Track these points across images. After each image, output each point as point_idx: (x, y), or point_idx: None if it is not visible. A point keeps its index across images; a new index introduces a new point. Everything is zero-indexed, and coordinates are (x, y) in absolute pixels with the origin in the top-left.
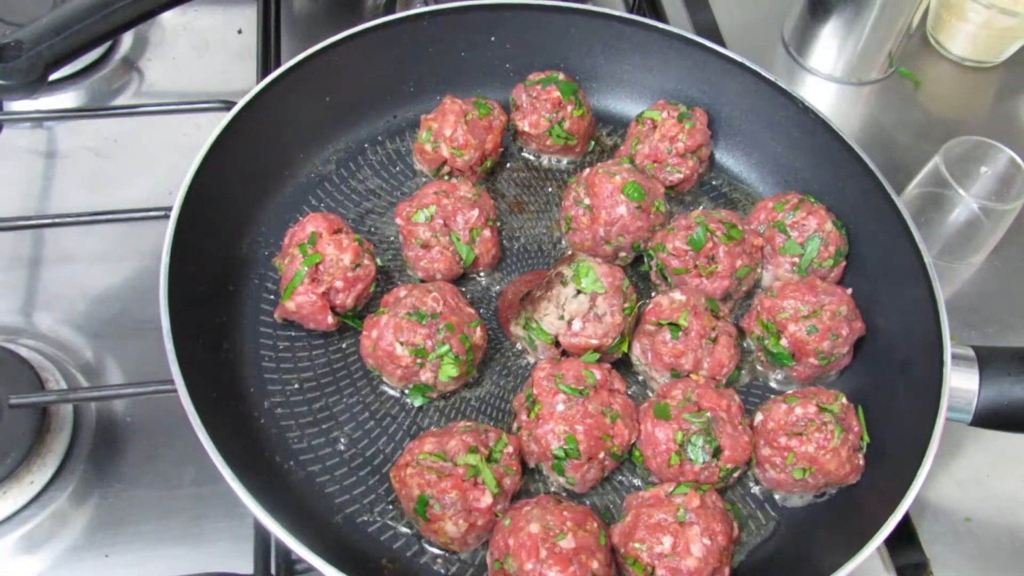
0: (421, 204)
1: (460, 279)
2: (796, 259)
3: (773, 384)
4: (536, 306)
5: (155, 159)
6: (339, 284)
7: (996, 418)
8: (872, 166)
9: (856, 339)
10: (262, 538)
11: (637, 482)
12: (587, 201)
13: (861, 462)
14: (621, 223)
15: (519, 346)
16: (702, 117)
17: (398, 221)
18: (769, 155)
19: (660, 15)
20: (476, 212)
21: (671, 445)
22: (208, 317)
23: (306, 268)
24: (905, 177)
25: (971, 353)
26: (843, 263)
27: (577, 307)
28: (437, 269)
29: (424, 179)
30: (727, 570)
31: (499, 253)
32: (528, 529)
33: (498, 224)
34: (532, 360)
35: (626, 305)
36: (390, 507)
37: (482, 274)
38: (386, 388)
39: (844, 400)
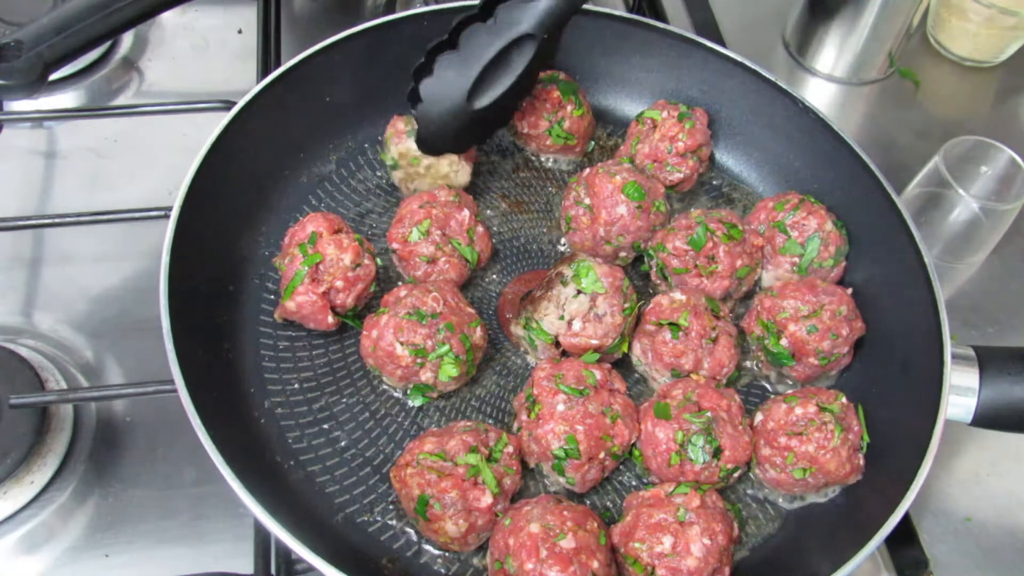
0: (413, 222)
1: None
2: (796, 259)
3: (773, 384)
4: (536, 306)
5: (155, 159)
6: (339, 284)
7: (996, 418)
8: (872, 166)
9: (856, 339)
10: (262, 538)
11: (637, 482)
12: (587, 201)
13: (861, 462)
14: (621, 223)
15: (519, 346)
16: (702, 117)
17: (394, 246)
18: (769, 155)
19: (660, 15)
20: (466, 212)
21: (671, 445)
22: (208, 317)
23: (306, 268)
24: (905, 177)
25: (971, 353)
26: (843, 263)
27: (577, 307)
28: (450, 279)
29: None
30: (727, 570)
31: (492, 246)
32: (528, 529)
33: (480, 217)
34: (532, 360)
35: (626, 305)
36: (390, 507)
37: (482, 274)
38: (386, 388)
39: (844, 400)
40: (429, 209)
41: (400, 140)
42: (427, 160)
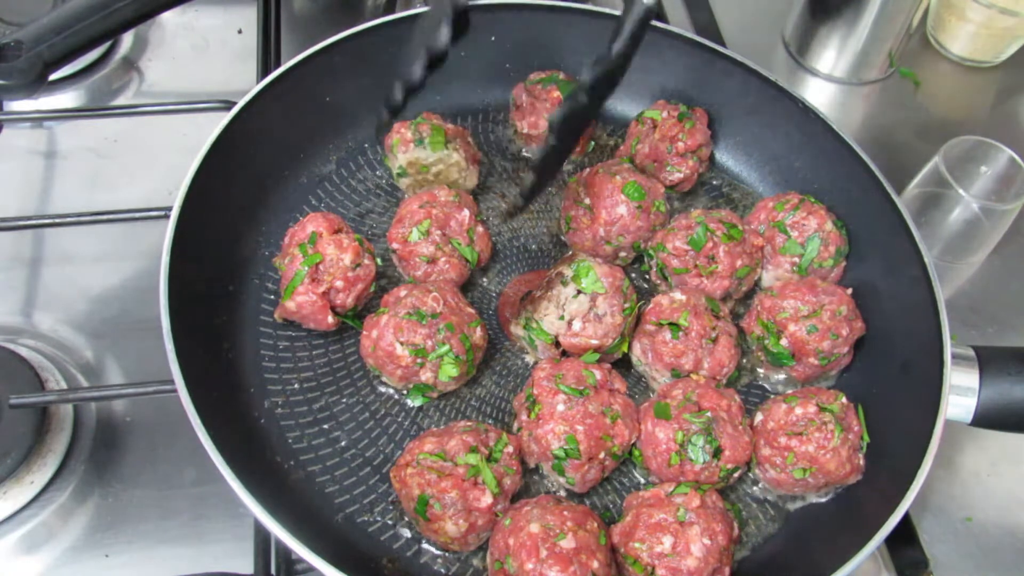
0: (413, 222)
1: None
2: (796, 259)
3: (773, 384)
4: (536, 306)
5: (155, 159)
6: (339, 284)
7: (996, 418)
8: (872, 166)
9: (856, 339)
10: (262, 538)
11: (637, 482)
12: (587, 201)
13: (861, 462)
14: (621, 223)
15: (519, 346)
16: (702, 117)
17: (394, 246)
18: (769, 155)
19: (660, 15)
20: (467, 212)
21: (671, 445)
22: (208, 317)
23: (306, 268)
24: (905, 177)
25: (971, 353)
26: (843, 263)
27: (577, 307)
28: (449, 279)
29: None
30: (727, 570)
31: (492, 246)
32: (528, 529)
33: (481, 217)
34: (532, 360)
35: (626, 305)
36: (390, 507)
37: (482, 274)
38: (386, 388)
39: (844, 400)
40: (429, 209)
41: (407, 148)
42: (436, 167)
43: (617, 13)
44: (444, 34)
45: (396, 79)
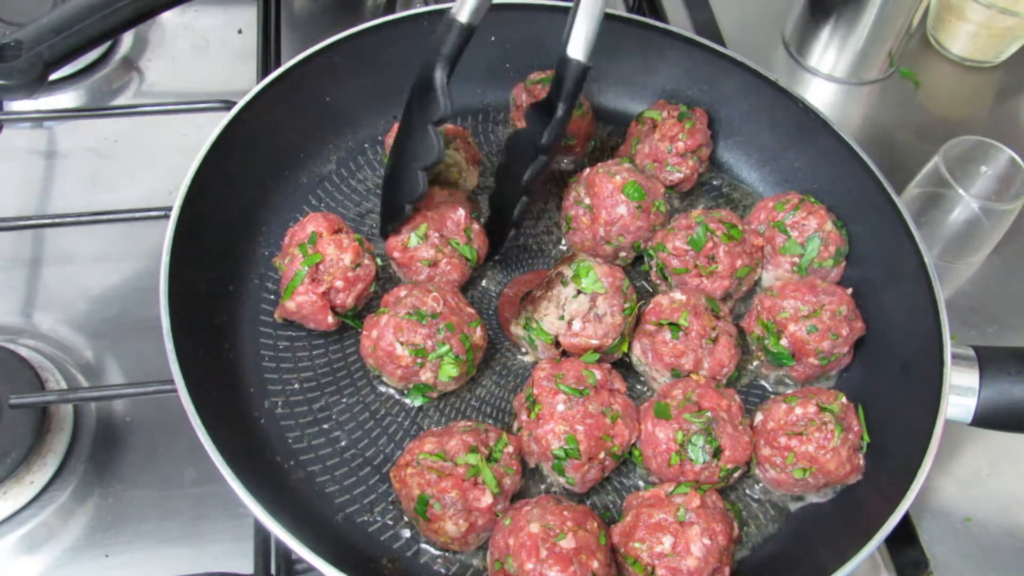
0: (410, 227)
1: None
2: (796, 259)
3: (773, 384)
4: (536, 306)
5: (155, 159)
6: (339, 284)
7: (996, 418)
8: (872, 166)
9: (856, 339)
10: (262, 538)
11: (637, 482)
12: (587, 201)
13: (861, 462)
14: (621, 223)
15: (519, 346)
16: (702, 117)
17: (394, 255)
18: (769, 155)
19: (660, 15)
20: (461, 211)
21: (671, 445)
22: (208, 317)
23: (306, 268)
24: (905, 177)
25: (971, 353)
26: (843, 263)
27: (577, 307)
28: (452, 280)
29: None
30: (727, 570)
31: (488, 242)
32: (528, 529)
33: (475, 215)
34: (532, 360)
35: (626, 305)
36: (390, 507)
37: (482, 274)
38: (386, 388)
39: (844, 400)
40: (424, 212)
41: None
42: (436, 167)
43: (618, 13)
44: (438, 148)
45: (404, 200)
